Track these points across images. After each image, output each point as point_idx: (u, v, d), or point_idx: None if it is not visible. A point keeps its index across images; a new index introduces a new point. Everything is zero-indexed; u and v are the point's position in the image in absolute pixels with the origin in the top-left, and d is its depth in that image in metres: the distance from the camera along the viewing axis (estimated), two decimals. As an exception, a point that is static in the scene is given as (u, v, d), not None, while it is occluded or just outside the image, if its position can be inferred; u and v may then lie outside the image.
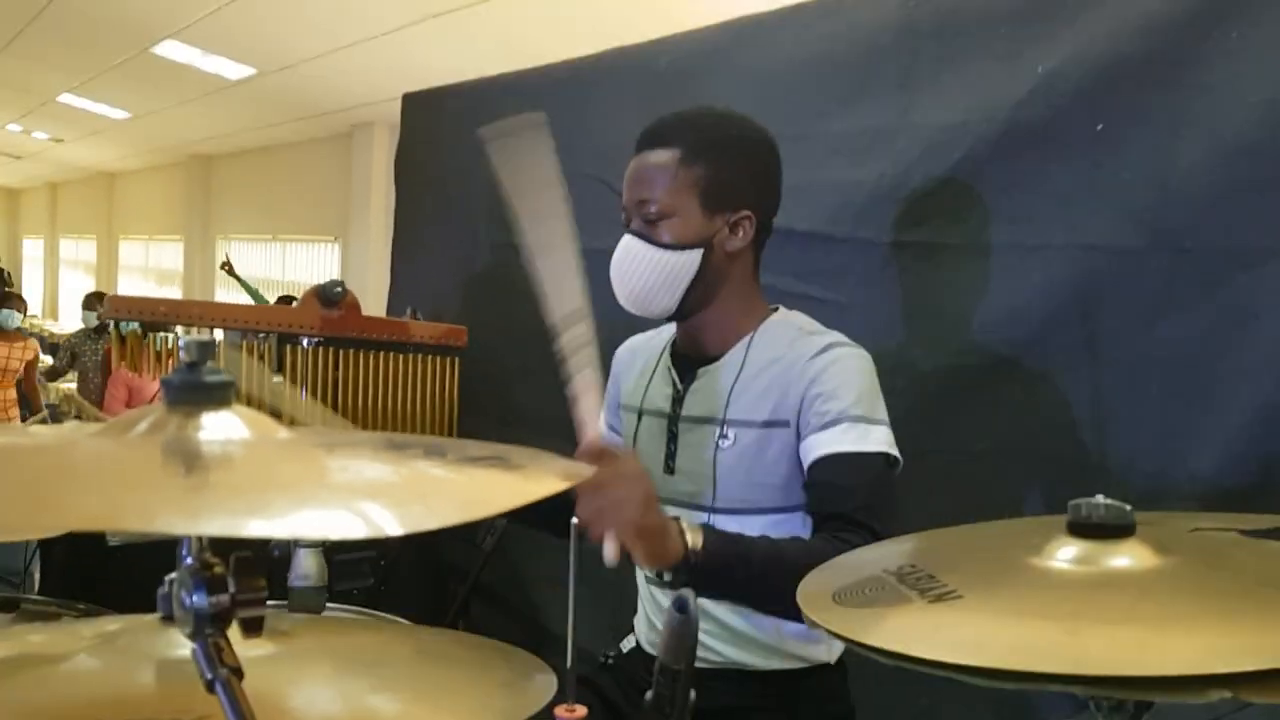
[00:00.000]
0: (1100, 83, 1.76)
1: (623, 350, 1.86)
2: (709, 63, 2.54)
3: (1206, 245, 1.63)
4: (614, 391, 1.84)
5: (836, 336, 1.61)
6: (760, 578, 1.39)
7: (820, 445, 1.52)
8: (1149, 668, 0.77)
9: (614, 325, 1.95)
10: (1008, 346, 1.89)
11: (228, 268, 8.02)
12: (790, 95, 2.31)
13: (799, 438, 1.55)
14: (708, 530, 1.40)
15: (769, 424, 1.57)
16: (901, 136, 2.06)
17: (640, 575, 1.79)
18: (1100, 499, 0.95)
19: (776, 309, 1.68)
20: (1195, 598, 0.89)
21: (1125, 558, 0.94)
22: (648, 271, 1.60)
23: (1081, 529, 0.96)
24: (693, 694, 0.89)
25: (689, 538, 1.37)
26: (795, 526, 1.57)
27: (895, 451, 1.52)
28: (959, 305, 1.96)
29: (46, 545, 2.74)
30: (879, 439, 1.51)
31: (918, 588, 0.97)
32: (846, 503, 1.47)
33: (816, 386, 1.53)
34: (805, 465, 1.53)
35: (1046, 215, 1.83)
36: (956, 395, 1.97)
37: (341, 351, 3.05)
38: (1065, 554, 0.96)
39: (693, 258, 1.58)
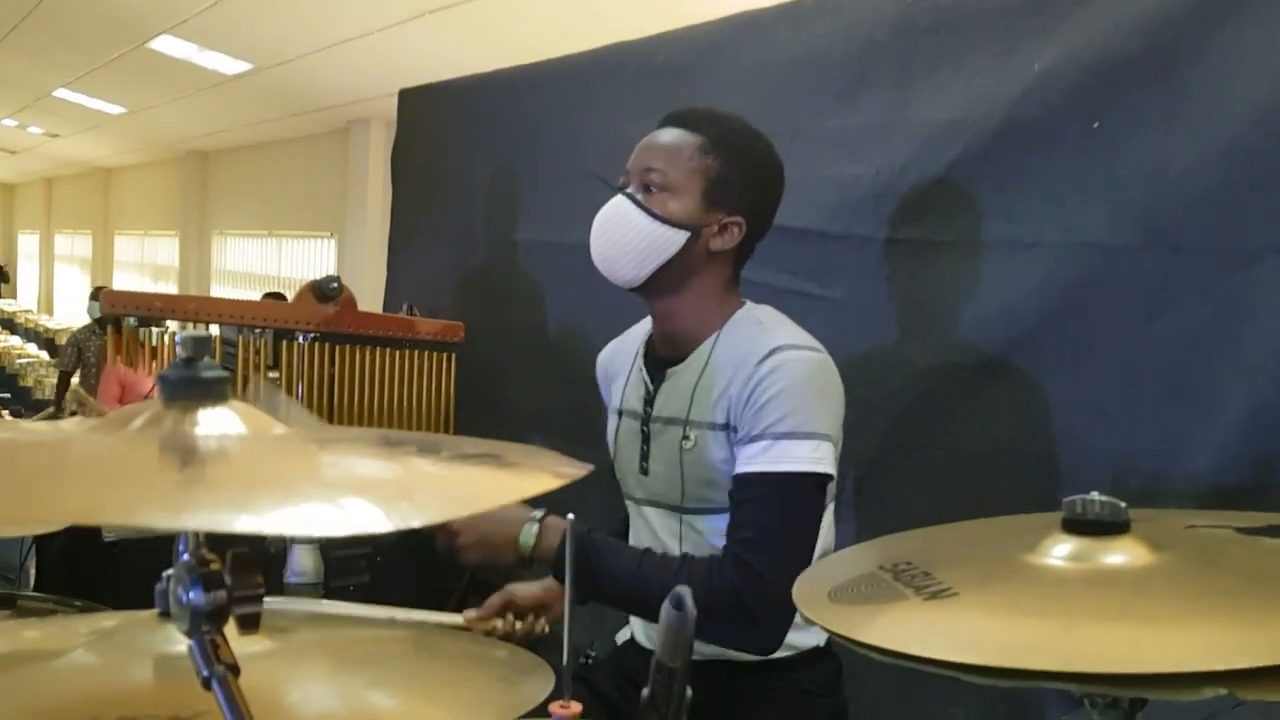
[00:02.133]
0: (1096, 81, 1.76)
1: (601, 357, 1.87)
2: (707, 59, 2.54)
3: (1201, 243, 1.63)
4: (605, 398, 1.85)
5: (788, 336, 1.57)
6: (612, 587, 1.54)
7: (740, 461, 1.53)
8: (1144, 665, 0.78)
9: (597, 329, 1.95)
10: (1003, 343, 1.89)
11: None
12: (787, 91, 2.31)
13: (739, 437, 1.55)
14: (546, 533, 1.54)
15: (721, 426, 1.57)
16: (898, 133, 2.06)
17: None
18: (1095, 496, 0.96)
19: (744, 304, 1.67)
20: (1190, 595, 0.89)
21: (1120, 555, 0.94)
22: (629, 234, 1.60)
23: (1076, 526, 0.96)
24: (689, 691, 0.89)
25: (522, 540, 1.54)
26: None
27: (820, 468, 1.49)
28: (954, 302, 1.96)
29: (42, 541, 2.73)
30: (798, 457, 1.48)
31: (913, 585, 0.97)
32: (740, 530, 1.51)
33: (755, 395, 1.52)
34: (738, 471, 1.53)
35: (1042, 213, 1.83)
36: (951, 392, 1.97)
37: (338, 347, 3.05)
38: (1060, 551, 0.96)
39: (677, 237, 1.59)
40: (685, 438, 1.60)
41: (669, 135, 1.62)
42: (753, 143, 1.65)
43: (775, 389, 1.50)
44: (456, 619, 1.71)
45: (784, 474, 1.48)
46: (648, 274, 1.61)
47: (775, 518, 1.49)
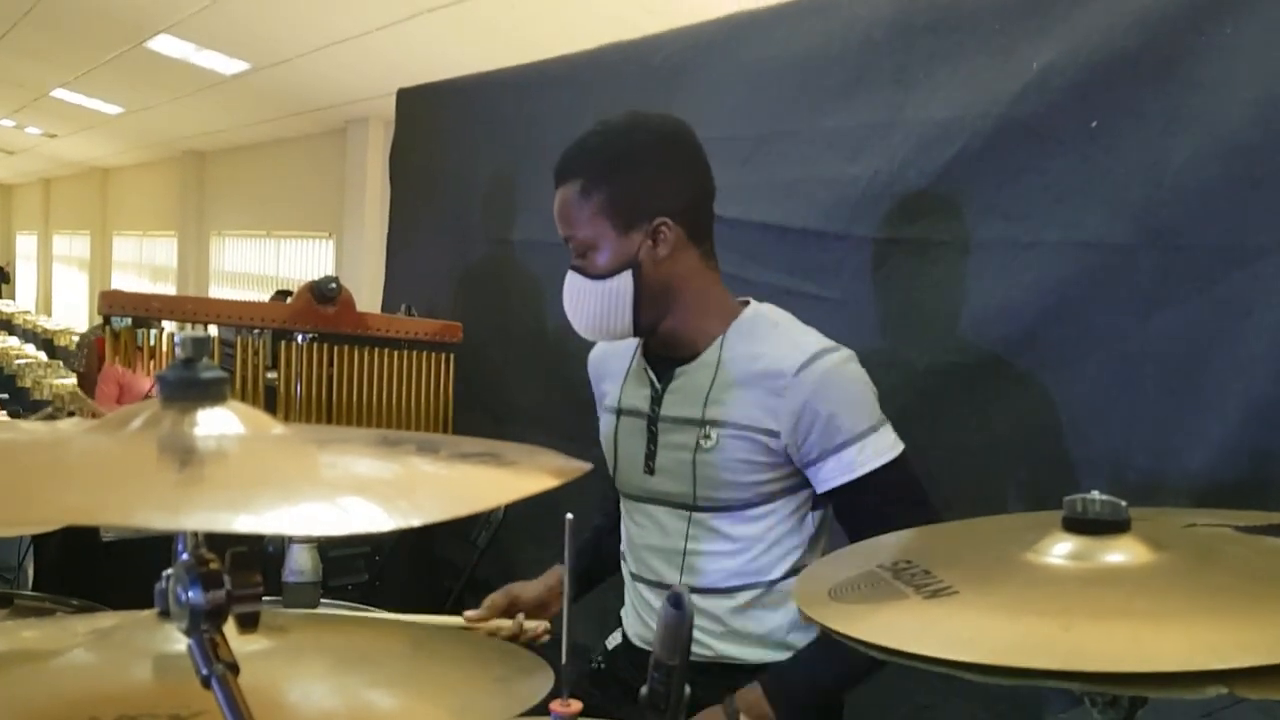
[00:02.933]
0: (1094, 79, 1.76)
1: (593, 356, 1.87)
2: (704, 58, 2.54)
3: (1200, 242, 1.63)
4: (597, 395, 1.86)
5: (818, 340, 1.61)
6: (841, 674, 1.58)
7: (842, 470, 1.57)
8: (1144, 663, 0.78)
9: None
10: (1002, 343, 1.89)
11: None
12: (785, 91, 2.31)
13: (798, 451, 1.58)
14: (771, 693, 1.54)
15: (753, 429, 1.58)
16: (896, 132, 2.06)
17: (626, 570, 1.79)
18: (1095, 495, 0.96)
19: (748, 302, 1.68)
20: (1190, 593, 0.89)
21: (1120, 554, 0.94)
22: (590, 302, 1.63)
23: (1076, 525, 0.96)
24: (687, 689, 0.89)
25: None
26: (775, 520, 1.61)
27: (900, 447, 1.58)
28: (953, 301, 1.96)
29: (40, 541, 2.73)
30: (889, 444, 1.58)
31: (913, 584, 0.97)
32: (888, 524, 1.48)
33: (817, 405, 1.55)
34: (827, 487, 1.58)
35: (1040, 211, 1.83)
36: (950, 391, 1.97)
37: (336, 348, 3.05)
38: (1060, 550, 0.96)
39: (624, 280, 1.61)
40: (706, 436, 1.60)
41: (561, 195, 1.65)
42: (623, 144, 1.63)
43: (838, 394, 1.57)
44: (457, 620, 1.71)
45: (887, 464, 1.57)
46: (630, 321, 1.63)
47: (906, 499, 1.58)
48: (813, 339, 1.61)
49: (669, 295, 1.63)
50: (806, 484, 1.62)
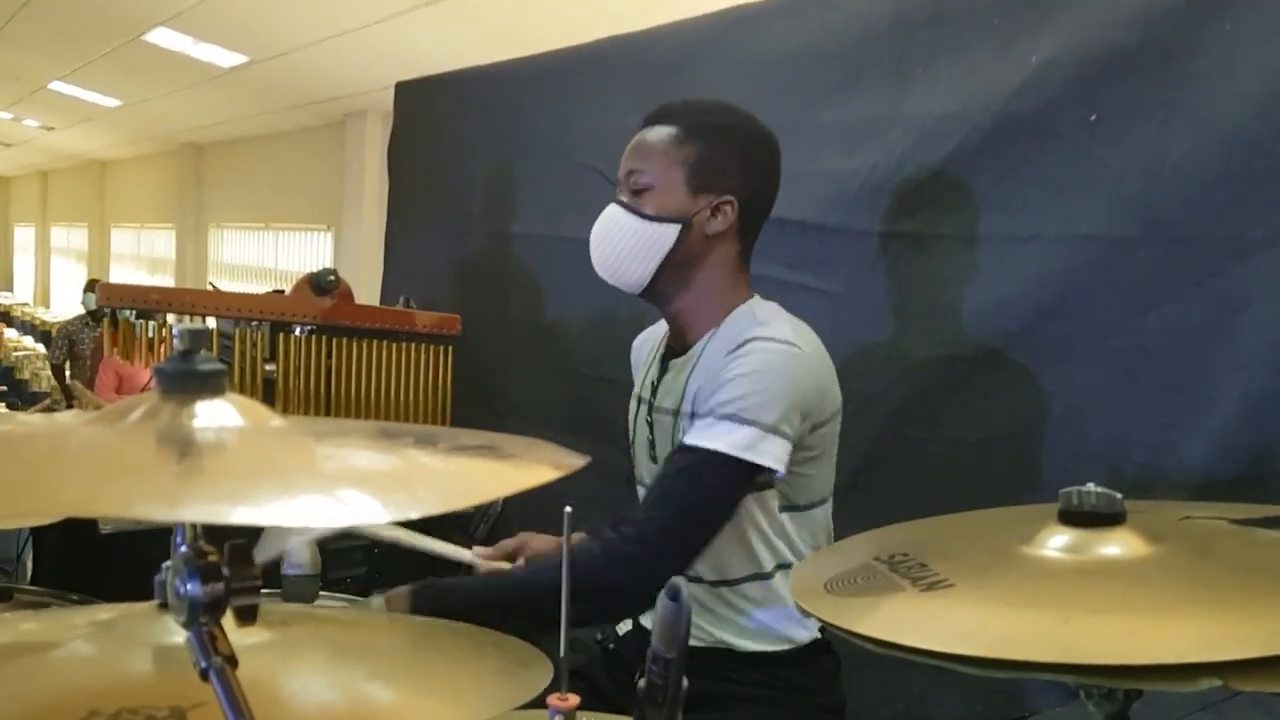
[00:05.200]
0: (1094, 73, 1.76)
1: (636, 343, 1.91)
2: (702, 52, 2.54)
3: (1199, 235, 1.63)
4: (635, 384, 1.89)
5: (768, 330, 1.57)
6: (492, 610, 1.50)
7: (687, 432, 1.56)
8: (1140, 656, 0.78)
9: (612, 321, 1.95)
10: (1000, 336, 1.90)
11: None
12: (783, 85, 2.30)
13: None
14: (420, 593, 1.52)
15: (694, 415, 1.59)
16: (895, 126, 2.06)
17: None
18: (1091, 487, 0.96)
19: (752, 296, 1.68)
20: (1186, 586, 0.89)
21: (1116, 546, 0.94)
22: (625, 239, 1.62)
23: (1072, 517, 0.96)
24: (685, 681, 0.89)
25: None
26: (757, 512, 1.60)
27: (747, 455, 1.49)
28: (951, 295, 1.96)
29: (39, 534, 2.74)
30: (730, 440, 1.49)
31: (909, 576, 0.97)
32: (647, 498, 1.54)
33: (717, 381, 1.55)
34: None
35: (1039, 205, 1.83)
36: (948, 384, 1.98)
37: (334, 340, 3.05)
38: (1056, 542, 0.96)
39: (669, 231, 1.60)
40: (677, 428, 1.63)
41: (648, 134, 1.65)
42: (731, 120, 1.66)
43: (733, 374, 1.53)
44: (465, 554, 1.73)
45: (707, 450, 1.50)
46: (650, 273, 1.63)
47: (684, 489, 1.53)
48: (767, 330, 1.57)
49: (694, 272, 1.63)
50: (768, 483, 1.59)
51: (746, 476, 1.52)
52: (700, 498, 1.54)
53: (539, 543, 1.78)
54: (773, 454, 1.51)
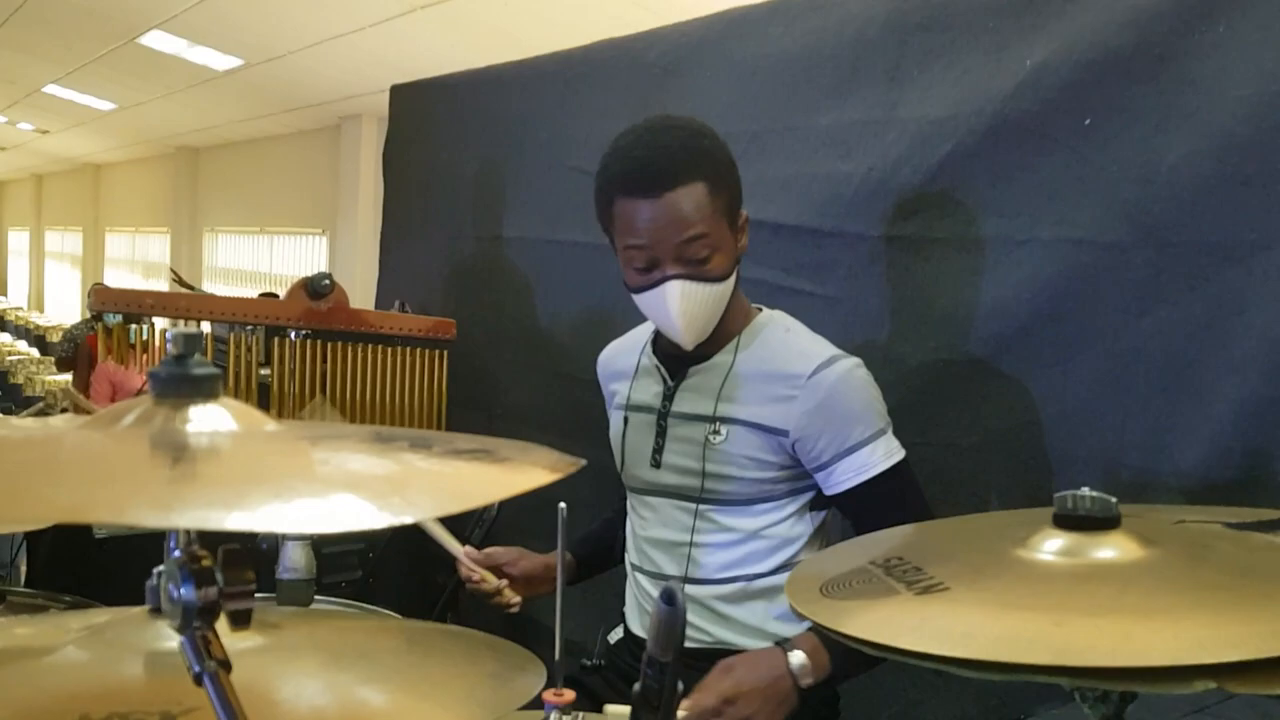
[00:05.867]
0: (1088, 77, 1.76)
1: (603, 357, 1.91)
2: (698, 55, 2.54)
3: (1193, 239, 1.63)
4: (606, 395, 1.89)
5: (829, 347, 1.66)
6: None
7: (854, 472, 1.60)
8: (1134, 658, 0.78)
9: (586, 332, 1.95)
10: (994, 339, 1.90)
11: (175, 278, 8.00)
12: (779, 88, 2.31)
13: (809, 454, 1.62)
14: (815, 653, 1.50)
15: (763, 427, 1.62)
16: (890, 130, 2.06)
17: (628, 563, 1.82)
18: (1086, 491, 0.96)
19: (760, 309, 1.72)
20: (1180, 589, 0.89)
21: (1110, 550, 0.94)
22: (710, 306, 1.61)
23: (1067, 521, 0.97)
24: (680, 685, 0.90)
25: (801, 679, 1.49)
26: (777, 518, 1.65)
27: (903, 452, 1.63)
28: (946, 299, 1.97)
29: (33, 538, 2.73)
30: (896, 448, 1.63)
31: (905, 580, 0.97)
32: (891, 521, 1.49)
33: (830, 408, 1.59)
34: (840, 489, 1.62)
35: (1034, 209, 1.84)
36: (943, 388, 1.98)
37: (329, 344, 3.05)
38: (1051, 546, 0.96)
39: (733, 278, 1.64)
40: (715, 432, 1.64)
41: (679, 201, 1.55)
42: (720, 145, 1.64)
43: (849, 398, 1.61)
44: (457, 550, 1.78)
45: (894, 466, 1.61)
46: (720, 317, 1.65)
47: (911, 501, 1.62)
48: (824, 346, 1.66)
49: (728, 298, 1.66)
50: (810, 486, 1.66)
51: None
52: (919, 495, 1.65)
53: (528, 563, 1.81)
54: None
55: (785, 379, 1.62)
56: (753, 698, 1.47)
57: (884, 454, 1.61)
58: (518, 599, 1.79)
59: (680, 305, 1.58)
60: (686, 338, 1.62)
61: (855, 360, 1.65)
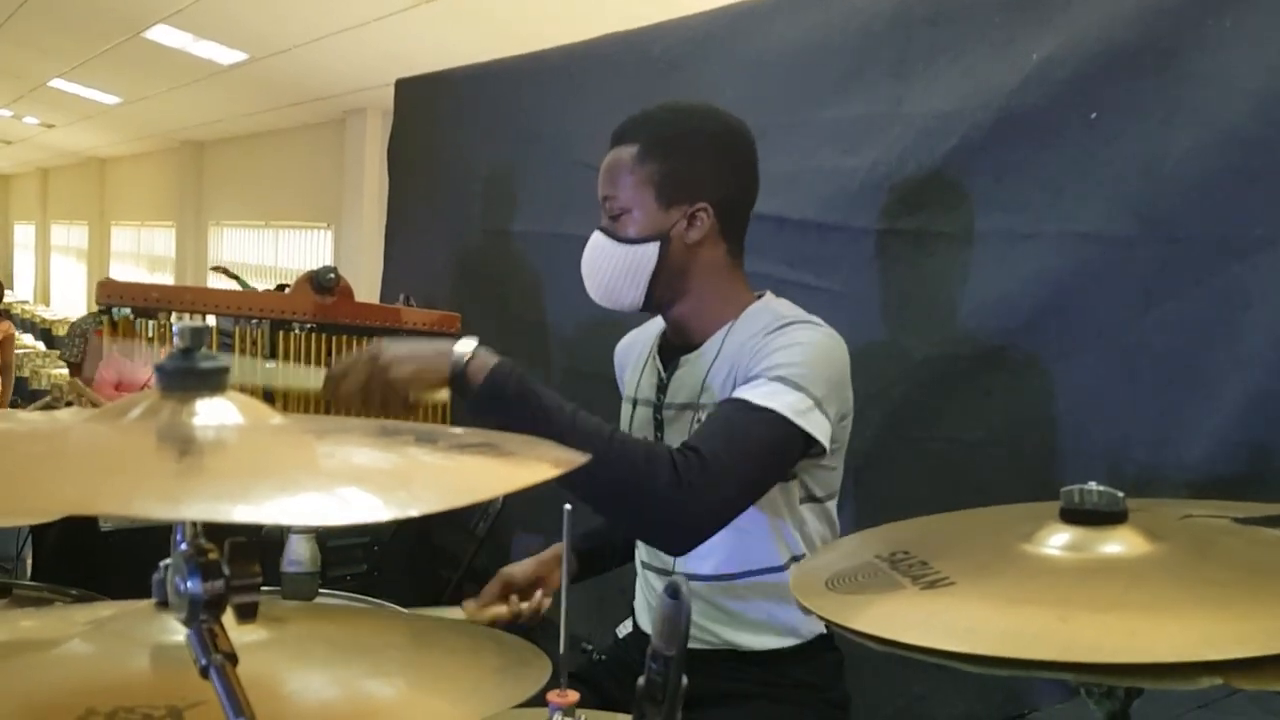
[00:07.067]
0: (1094, 71, 1.76)
1: (619, 347, 1.90)
2: (703, 49, 2.54)
3: (1198, 234, 1.63)
4: (620, 386, 1.89)
5: (808, 318, 1.61)
6: (544, 425, 1.44)
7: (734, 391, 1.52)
8: (1140, 654, 0.78)
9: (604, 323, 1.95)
10: (1000, 334, 1.89)
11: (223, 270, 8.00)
12: (784, 83, 2.30)
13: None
14: (499, 369, 1.48)
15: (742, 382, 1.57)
16: (895, 124, 2.06)
17: (637, 559, 1.81)
18: (1093, 486, 0.96)
19: (762, 295, 1.69)
20: (1187, 585, 0.89)
21: (1117, 545, 0.94)
22: (611, 265, 1.64)
23: (1074, 516, 0.96)
24: (685, 679, 0.89)
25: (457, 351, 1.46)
26: (773, 507, 1.60)
27: (798, 421, 1.47)
28: (951, 293, 1.96)
29: (39, 531, 2.74)
30: (781, 401, 1.47)
31: (910, 574, 0.97)
32: (705, 438, 1.47)
33: (760, 354, 1.54)
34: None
35: (1039, 204, 1.83)
36: (949, 383, 1.98)
37: (334, 338, 3.04)
38: (1057, 541, 0.96)
39: (650, 250, 1.62)
40: (697, 420, 1.62)
41: (613, 157, 1.66)
42: (693, 125, 1.66)
43: (781, 343, 1.53)
44: (457, 613, 1.72)
45: (760, 406, 1.47)
46: (642, 293, 1.64)
47: (736, 436, 1.47)
48: (802, 317, 1.61)
49: (686, 280, 1.65)
50: (793, 475, 1.60)
51: (797, 444, 1.50)
52: (764, 449, 1.48)
53: (519, 572, 1.78)
54: (820, 428, 1.49)
55: (753, 343, 1.56)
56: (405, 362, 1.46)
57: (766, 393, 1.47)
58: (538, 595, 1.77)
59: (588, 254, 1.67)
60: (590, 289, 1.69)
61: (827, 330, 1.58)
